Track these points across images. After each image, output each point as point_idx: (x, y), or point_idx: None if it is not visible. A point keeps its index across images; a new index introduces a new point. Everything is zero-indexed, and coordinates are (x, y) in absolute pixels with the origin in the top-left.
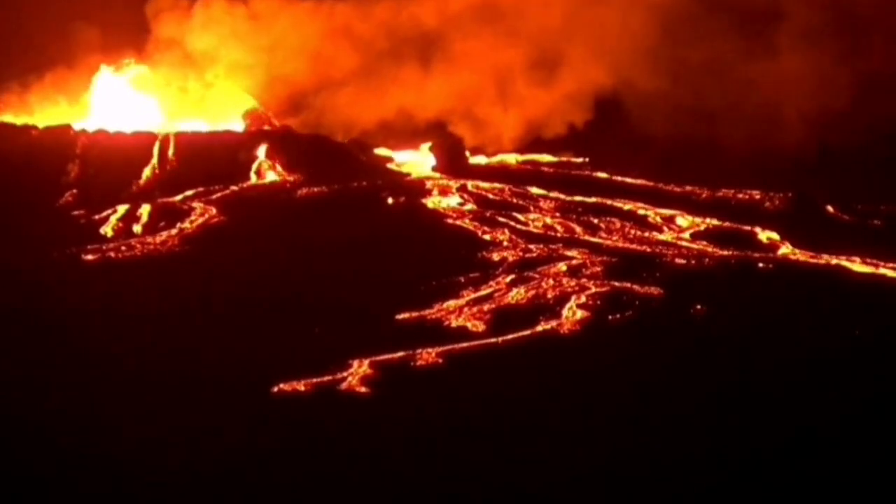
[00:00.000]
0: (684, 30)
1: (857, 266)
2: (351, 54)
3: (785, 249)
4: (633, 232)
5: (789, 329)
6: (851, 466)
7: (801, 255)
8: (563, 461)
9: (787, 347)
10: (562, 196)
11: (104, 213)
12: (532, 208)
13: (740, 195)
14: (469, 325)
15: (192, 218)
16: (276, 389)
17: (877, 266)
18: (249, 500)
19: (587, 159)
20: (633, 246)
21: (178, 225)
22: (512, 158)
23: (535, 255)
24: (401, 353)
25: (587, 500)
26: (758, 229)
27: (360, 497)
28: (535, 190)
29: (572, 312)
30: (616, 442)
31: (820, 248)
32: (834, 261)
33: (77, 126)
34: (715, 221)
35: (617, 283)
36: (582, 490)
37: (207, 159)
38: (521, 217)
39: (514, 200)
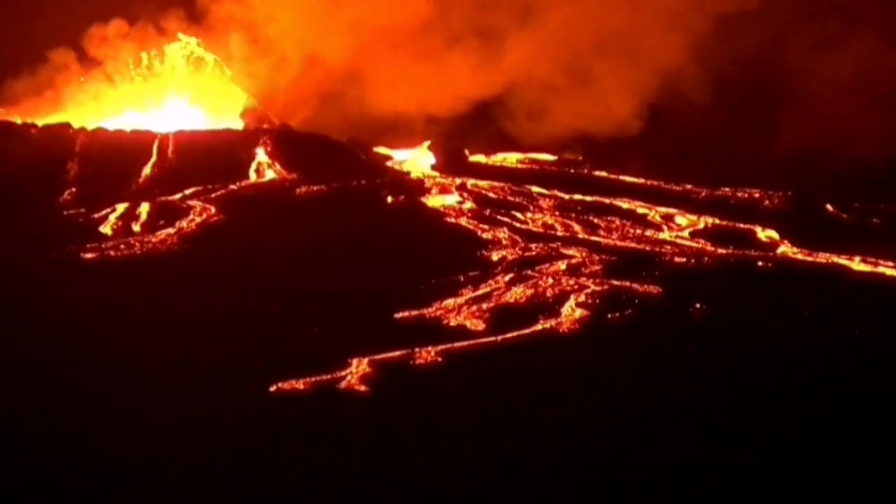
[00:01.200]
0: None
1: (856, 264)
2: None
3: (784, 248)
4: (632, 230)
5: (788, 327)
6: (850, 464)
7: (799, 254)
8: (563, 459)
9: (786, 345)
10: (561, 195)
11: (103, 212)
12: (531, 207)
13: (739, 194)
14: (468, 323)
15: (192, 216)
16: (275, 388)
17: (875, 264)
18: (248, 499)
19: (580, 157)
20: (633, 244)
21: (178, 223)
22: (511, 157)
23: (534, 253)
24: (400, 352)
25: (586, 498)
26: (757, 228)
27: (360, 495)
28: (534, 189)
29: (571, 311)
30: (615, 440)
31: (818, 246)
32: (833, 259)
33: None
34: (714, 220)
35: (616, 282)
36: (581, 488)
37: (207, 158)
38: (520, 216)
39: (514, 199)
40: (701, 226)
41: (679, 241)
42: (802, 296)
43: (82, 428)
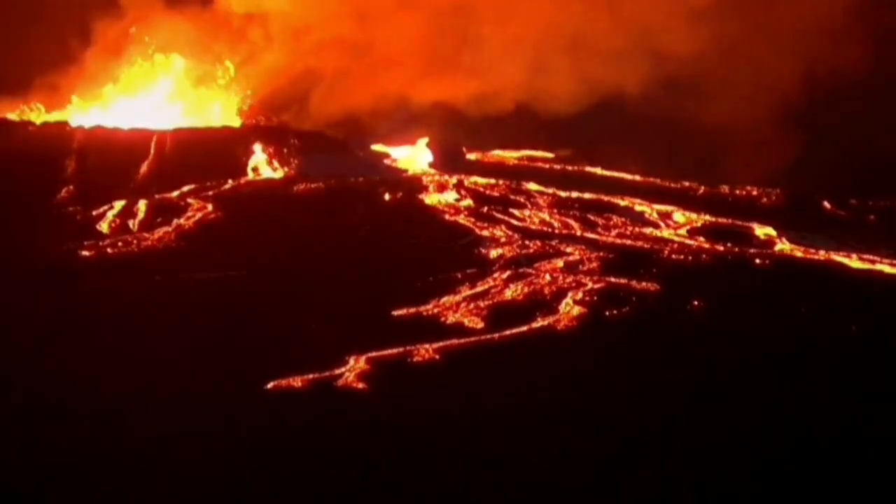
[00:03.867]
0: None
1: (854, 262)
2: None
3: (782, 245)
4: (630, 228)
5: (786, 324)
6: (847, 462)
7: (797, 251)
8: (560, 457)
9: (784, 343)
10: (559, 192)
11: (101, 209)
12: (529, 204)
13: (737, 191)
14: (466, 320)
15: (189, 214)
16: (271, 385)
17: (873, 262)
18: (244, 498)
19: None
20: (630, 242)
21: (175, 221)
22: (509, 154)
23: (531, 251)
24: (398, 350)
25: (583, 497)
26: (755, 225)
27: (357, 495)
28: (532, 186)
29: (569, 308)
30: (613, 438)
31: (816, 243)
32: (830, 256)
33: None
34: (711, 217)
35: (613, 279)
36: (578, 486)
37: (204, 155)
38: (518, 213)
39: (511, 197)
40: (698, 223)
41: (677, 238)
42: (800, 292)
43: (77, 425)
